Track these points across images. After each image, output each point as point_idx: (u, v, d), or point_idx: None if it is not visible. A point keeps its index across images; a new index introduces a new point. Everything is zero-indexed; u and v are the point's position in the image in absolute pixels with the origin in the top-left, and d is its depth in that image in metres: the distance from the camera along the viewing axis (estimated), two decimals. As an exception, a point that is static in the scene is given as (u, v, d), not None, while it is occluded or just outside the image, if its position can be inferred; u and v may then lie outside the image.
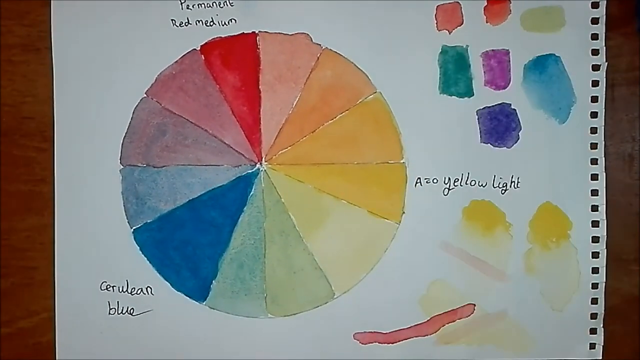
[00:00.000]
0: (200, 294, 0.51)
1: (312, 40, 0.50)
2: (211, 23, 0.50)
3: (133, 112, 0.51)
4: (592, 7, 0.49)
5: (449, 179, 0.50)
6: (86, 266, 0.51)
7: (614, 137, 0.50)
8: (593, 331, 0.50)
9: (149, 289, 0.51)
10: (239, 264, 0.51)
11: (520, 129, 0.50)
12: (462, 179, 0.50)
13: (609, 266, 0.50)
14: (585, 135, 0.49)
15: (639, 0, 0.49)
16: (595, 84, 0.49)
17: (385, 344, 0.50)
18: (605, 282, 0.50)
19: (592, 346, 0.50)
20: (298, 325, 0.51)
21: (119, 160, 0.51)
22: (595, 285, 0.50)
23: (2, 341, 0.52)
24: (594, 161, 0.49)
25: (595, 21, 0.49)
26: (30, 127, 0.51)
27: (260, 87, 0.51)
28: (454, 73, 0.50)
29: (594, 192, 0.50)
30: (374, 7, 0.50)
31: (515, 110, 0.50)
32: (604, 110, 0.49)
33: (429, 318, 0.50)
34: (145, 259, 0.51)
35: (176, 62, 0.51)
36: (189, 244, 0.51)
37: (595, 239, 0.50)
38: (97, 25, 0.51)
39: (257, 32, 0.50)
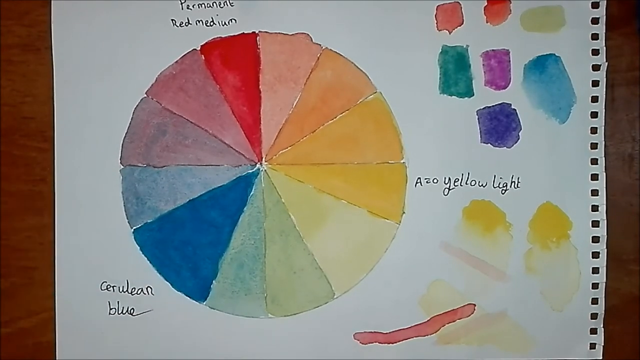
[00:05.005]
0: (200, 294, 0.51)
1: (312, 40, 0.50)
2: (211, 23, 0.50)
3: (133, 112, 0.51)
4: (592, 7, 0.49)
5: (449, 179, 0.50)
6: (86, 266, 0.51)
7: (614, 137, 0.50)
8: (593, 331, 0.50)
9: (149, 289, 0.51)
10: (239, 264, 0.51)
11: (521, 129, 0.50)
12: (462, 179, 0.50)
13: (609, 266, 0.50)
14: (585, 135, 0.49)
15: (639, 0, 0.49)
16: (595, 84, 0.49)
17: (385, 344, 0.50)
18: (605, 282, 0.50)
19: (592, 346, 0.50)
20: (298, 325, 0.51)
21: (119, 160, 0.51)
22: (595, 285, 0.50)
23: (2, 341, 0.52)
24: (594, 161, 0.49)
25: (595, 21, 0.49)
26: (30, 127, 0.51)
27: (260, 87, 0.51)
28: (454, 73, 0.50)
29: (594, 192, 0.50)
30: (374, 7, 0.50)
31: (515, 110, 0.50)
32: (604, 110, 0.49)
33: (429, 318, 0.50)
34: (146, 259, 0.51)
35: (176, 62, 0.51)
36: (189, 244, 0.51)
37: (595, 239, 0.50)
38: (97, 25, 0.51)
39: (257, 32, 0.50)
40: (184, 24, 0.50)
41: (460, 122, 0.50)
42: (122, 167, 0.51)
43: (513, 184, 0.50)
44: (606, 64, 0.49)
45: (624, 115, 0.50)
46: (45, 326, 0.51)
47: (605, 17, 0.49)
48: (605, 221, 0.49)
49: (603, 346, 0.50)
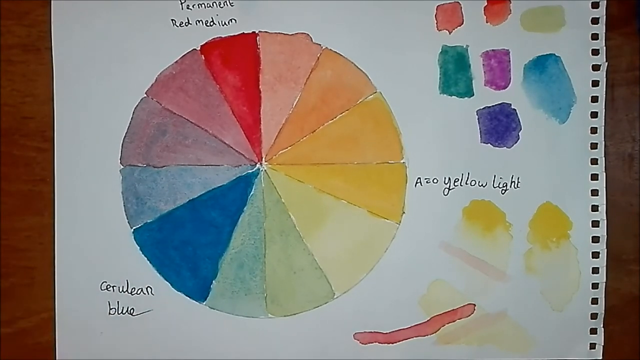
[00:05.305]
0: (200, 294, 0.51)
1: (312, 40, 0.50)
2: (211, 23, 0.50)
3: (133, 112, 0.51)
4: (592, 7, 0.49)
5: (449, 179, 0.50)
6: (86, 266, 0.51)
7: (614, 137, 0.50)
8: (593, 331, 0.50)
9: (149, 289, 0.51)
10: (239, 264, 0.51)
11: (521, 129, 0.50)
12: (462, 179, 0.50)
13: (609, 266, 0.50)
14: (585, 135, 0.49)
15: (639, 0, 0.49)
16: (595, 84, 0.49)
17: (385, 344, 0.50)
18: (605, 282, 0.50)
19: (592, 346, 0.50)
20: (298, 325, 0.51)
21: (119, 160, 0.51)
22: (595, 285, 0.50)
23: (2, 341, 0.52)
24: (594, 161, 0.49)
25: (595, 21, 0.49)
26: (30, 127, 0.51)
27: (260, 87, 0.51)
28: (454, 73, 0.50)
29: (594, 192, 0.50)
30: (374, 7, 0.50)
31: (515, 110, 0.50)
32: (604, 110, 0.49)
33: (429, 318, 0.50)
34: (146, 259, 0.51)
35: (176, 62, 0.51)
36: (189, 244, 0.51)
37: (595, 239, 0.50)
38: (97, 25, 0.51)
39: (257, 32, 0.50)
40: (184, 24, 0.50)
41: (460, 122, 0.50)
42: (122, 167, 0.51)
43: (513, 184, 0.50)
44: (606, 64, 0.49)
45: (624, 115, 0.50)
46: (45, 326, 0.51)
47: (605, 17, 0.49)
48: (605, 221, 0.49)
49: (603, 346, 0.50)
